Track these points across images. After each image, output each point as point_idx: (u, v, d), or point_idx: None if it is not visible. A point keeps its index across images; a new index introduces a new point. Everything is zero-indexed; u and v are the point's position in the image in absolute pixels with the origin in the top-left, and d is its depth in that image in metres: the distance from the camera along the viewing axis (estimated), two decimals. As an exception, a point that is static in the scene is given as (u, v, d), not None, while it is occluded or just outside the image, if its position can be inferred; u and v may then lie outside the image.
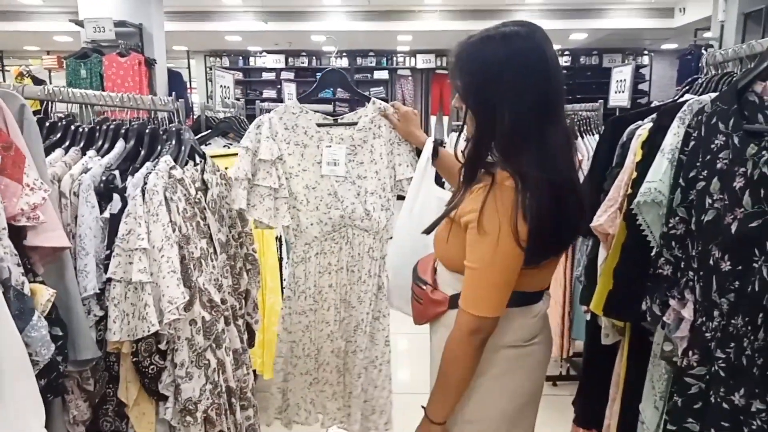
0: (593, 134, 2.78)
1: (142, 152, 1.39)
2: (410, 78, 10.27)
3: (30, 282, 0.99)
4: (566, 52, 10.11)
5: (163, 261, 1.19)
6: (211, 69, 9.73)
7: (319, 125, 1.63)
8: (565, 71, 10.10)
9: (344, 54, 10.33)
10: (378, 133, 1.63)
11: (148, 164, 1.32)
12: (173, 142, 1.40)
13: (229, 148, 2.63)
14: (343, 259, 1.64)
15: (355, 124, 1.64)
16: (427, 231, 1.20)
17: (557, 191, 1.04)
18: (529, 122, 1.03)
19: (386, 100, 1.68)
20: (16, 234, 1.01)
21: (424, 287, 1.22)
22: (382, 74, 10.29)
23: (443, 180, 1.69)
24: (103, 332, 1.19)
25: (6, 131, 1.04)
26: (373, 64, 10.32)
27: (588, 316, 1.67)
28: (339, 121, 1.65)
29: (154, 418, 1.24)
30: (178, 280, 1.19)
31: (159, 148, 1.40)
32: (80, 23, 5.41)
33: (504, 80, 1.03)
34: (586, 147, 2.70)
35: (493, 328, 1.07)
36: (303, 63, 10.54)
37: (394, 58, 10.30)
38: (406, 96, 10.07)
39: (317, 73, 10.44)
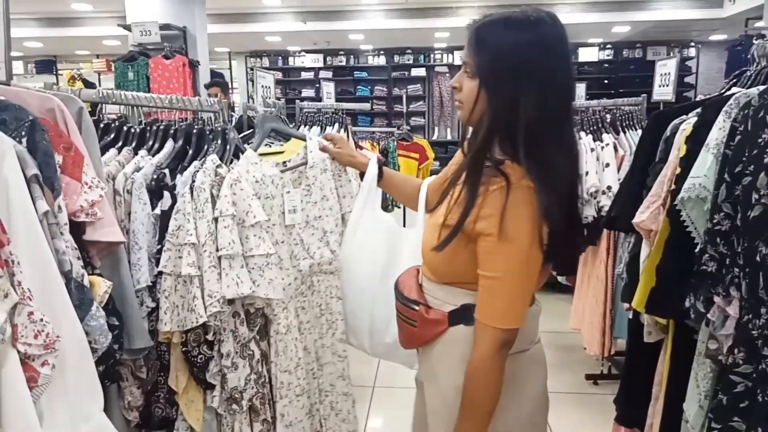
0: (635, 129, 2.73)
1: (190, 151, 1.44)
2: (448, 75, 10.21)
3: (89, 274, 1.06)
4: (608, 46, 9.87)
5: (205, 255, 1.24)
6: (252, 69, 9.93)
7: (282, 171, 1.47)
8: (606, 65, 9.93)
9: (381, 52, 10.36)
10: (323, 167, 1.51)
11: (195, 163, 1.37)
12: (219, 141, 1.45)
13: (270, 146, 2.69)
14: (311, 312, 1.49)
15: (305, 162, 1.50)
16: (440, 248, 1.02)
17: (573, 189, 1.01)
18: (553, 113, 0.97)
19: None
20: (76, 229, 1.07)
21: (417, 308, 1.09)
22: (420, 71, 10.28)
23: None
24: (155, 323, 1.25)
25: (67, 133, 1.10)
26: (411, 62, 10.32)
27: (630, 314, 1.65)
28: (290, 164, 1.51)
29: (202, 406, 1.30)
30: (218, 274, 1.24)
31: (206, 147, 1.45)
32: (128, 27, 5.61)
33: (532, 65, 0.95)
34: (627, 142, 2.65)
35: (515, 338, 1.00)
36: (341, 62, 10.63)
37: (432, 55, 10.27)
38: (443, 93, 10.03)
39: (355, 72, 10.56)
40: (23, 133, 1.00)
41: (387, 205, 4.71)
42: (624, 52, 9.85)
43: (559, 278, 3.15)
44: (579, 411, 2.67)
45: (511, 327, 0.98)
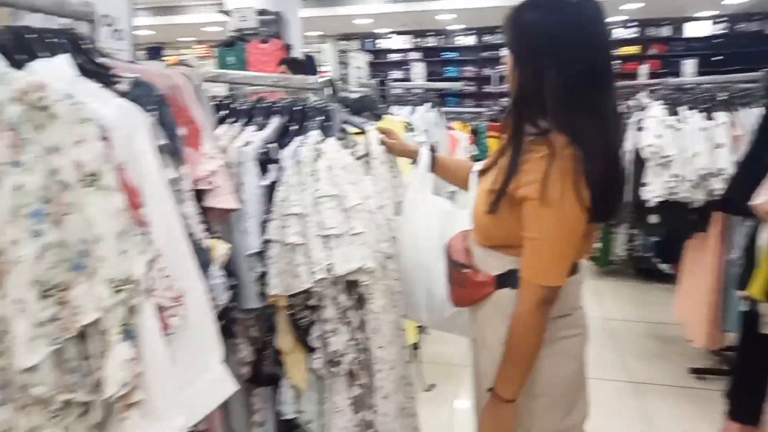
0: (753, 107, 2.50)
1: (294, 128, 1.51)
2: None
3: (210, 237, 1.15)
4: (722, 19, 9.04)
5: (310, 225, 1.30)
6: (343, 52, 10.09)
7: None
8: (720, 39, 9.11)
9: (471, 31, 10.16)
10: (382, 159, 1.55)
11: (298, 138, 1.44)
12: (321, 118, 1.50)
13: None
14: (388, 292, 1.49)
15: (368, 154, 1.54)
16: (490, 210, 1.12)
17: (613, 158, 1.08)
18: (579, 86, 1.05)
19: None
20: (197, 197, 1.17)
21: (465, 271, 1.22)
22: (510, 51, 9.98)
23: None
24: (264, 286, 1.34)
25: (188, 107, 1.20)
26: (501, 41, 10.03)
27: (744, 305, 1.54)
28: (357, 154, 1.52)
29: (306, 367, 1.37)
30: (322, 243, 1.30)
31: (308, 124, 1.52)
32: (227, 13, 5.90)
33: (555, 41, 1.05)
34: (744, 122, 2.44)
35: (556, 297, 1.10)
36: (430, 43, 10.54)
37: (524, 33, 9.92)
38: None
39: (442, 53, 10.44)
40: (153, 107, 1.09)
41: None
42: (740, 25, 9.00)
43: (661, 266, 2.99)
44: (681, 404, 2.54)
45: (552, 285, 1.08)
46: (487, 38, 10.09)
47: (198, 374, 1.07)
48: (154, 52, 11.47)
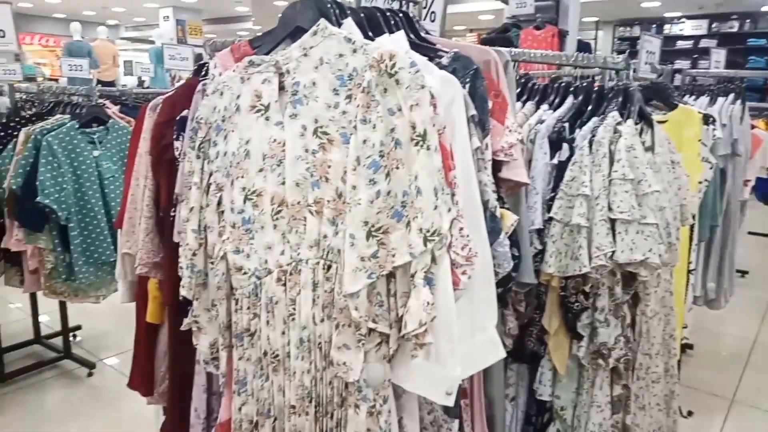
0: None
1: (590, 108, 1.47)
2: None
3: (501, 207, 1.20)
4: None
5: (598, 209, 1.26)
6: (619, 41, 9.34)
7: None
8: None
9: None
10: (665, 156, 1.45)
11: (595, 119, 1.39)
12: (620, 99, 1.43)
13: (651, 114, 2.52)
14: (659, 302, 1.47)
15: (652, 148, 1.43)
16: None
17: None
18: None
19: None
20: (495, 167, 1.23)
21: None
22: None
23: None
24: (539, 264, 1.35)
25: (497, 81, 1.26)
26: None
27: None
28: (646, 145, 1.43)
29: (568, 353, 1.35)
30: (608, 230, 1.24)
31: (605, 104, 1.45)
32: (505, 1, 5.94)
33: None
34: None
35: None
36: (732, 28, 9.03)
37: None
38: None
39: (748, 40, 8.83)
40: (467, 79, 1.18)
41: None
42: None
43: None
44: None
45: None
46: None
47: (474, 332, 1.14)
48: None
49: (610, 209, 1.24)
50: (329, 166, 1.04)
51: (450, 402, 1.06)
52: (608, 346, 1.28)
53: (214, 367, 1.21)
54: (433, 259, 1.01)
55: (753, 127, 3.94)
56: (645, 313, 1.32)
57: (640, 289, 1.31)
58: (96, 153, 2.75)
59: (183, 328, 1.24)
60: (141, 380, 1.79)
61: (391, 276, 1.02)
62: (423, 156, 0.99)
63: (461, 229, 1.08)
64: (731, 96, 2.88)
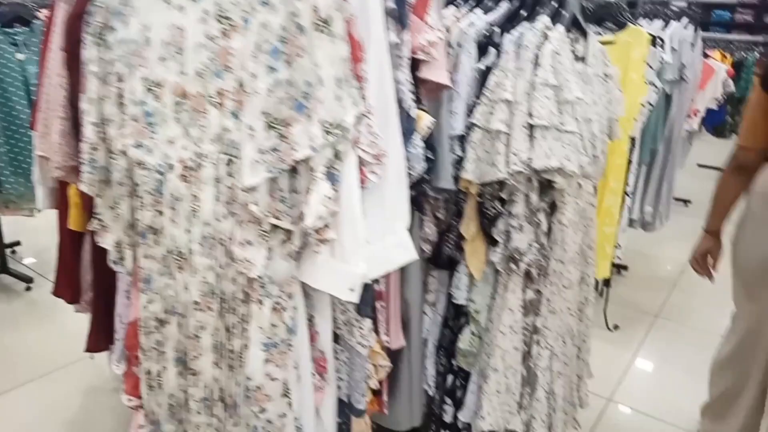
0: None
1: (524, 14, 1.41)
2: None
3: (418, 108, 1.17)
4: None
5: (518, 114, 1.24)
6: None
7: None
8: None
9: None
10: (595, 71, 1.44)
11: (525, 23, 1.34)
12: (554, 4, 1.38)
13: (601, 36, 2.48)
14: (578, 212, 1.48)
15: (584, 59, 1.39)
16: None
17: None
18: None
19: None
20: (414, 67, 1.18)
21: None
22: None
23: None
24: (459, 170, 1.34)
25: (420, -24, 1.19)
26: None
27: None
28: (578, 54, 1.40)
29: (484, 258, 1.38)
30: (527, 136, 1.23)
31: (540, 9, 1.40)
32: None
33: None
34: None
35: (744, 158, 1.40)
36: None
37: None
38: None
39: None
40: (387, -31, 1.11)
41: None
42: None
43: None
44: None
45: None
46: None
47: (384, 233, 1.14)
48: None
49: (530, 115, 1.22)
50: (231, 55, 0.98)
51: (354, 298, 1.07)
52: (521, 251, 1.30)
53: (122, 267, 1.18)
54: (337, 155, 0.98)
55: (707, 56, 3.95)
56: (561, 222, 1.34)
57: (558, 198, 1.33)
58: (20, 56, 2.57)
59: (88, 227, 1.20)
60: (66, 288, 1.77)
61: (294, 171, 1.00)
62: (326, 43, 0.94)
63: (370, 126, 1.04)
64: (684, 20, 2.84)
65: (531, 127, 1.23)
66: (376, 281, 1.29)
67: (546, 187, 1.30)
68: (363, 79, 1.02)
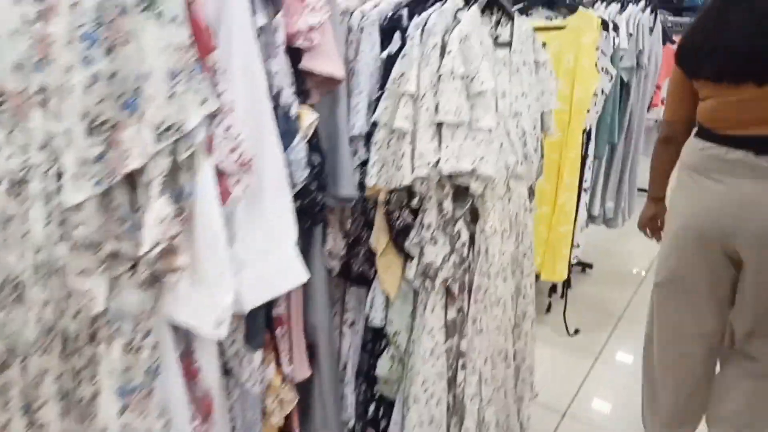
0: None
1: (438, -7, 1.25)
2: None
3: (302, 104, 1.00)
4: None
5: (423, 110, 1.07)
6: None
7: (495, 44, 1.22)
8: None
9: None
10: (524, 58, 1.25)
11: (437, 5, 1.17)
12: (471, -17, 1.21)
13: (551, 20, 2.32)
14: (506, 218, 1.28)
15: (510, 44, 1.23)
16: None
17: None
18: None
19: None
20: (295, 56, 1.01)
21: None
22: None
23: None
24: (365, 176, 1.17)
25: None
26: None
27: None
28: (499, 39, 1.24)
29: (400, 273, 1.21)
30: (433, 133, 1.06)
31: (455, -11, 1.23)
32: None
33: None
34: None
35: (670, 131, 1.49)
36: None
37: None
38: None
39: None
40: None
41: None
42: None
43: None
44: None
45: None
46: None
47: (265, 254, 0.96)
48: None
49: (436, 110, 1.06)
50: (51, 42, 0.80)
51: (222, 334, 0.89)
52: (434, 266, 1.14)
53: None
54: (180, 165, 0.81)
55: (673, 42, 3.81)
56: (484, 231, 1.18)
57: (479, 204, 1.16)
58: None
59: None
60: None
61: (133, 186, 0.82)
62: (155, 27, 0.76)
63: (229, 128, 0.87)
64: (642, 3, 2.70)
65: (439, 124, 1.06)
66: (275, 305, 1.12)
67: (462, 192, 1.14)
68: (215, 70, 0.84)
